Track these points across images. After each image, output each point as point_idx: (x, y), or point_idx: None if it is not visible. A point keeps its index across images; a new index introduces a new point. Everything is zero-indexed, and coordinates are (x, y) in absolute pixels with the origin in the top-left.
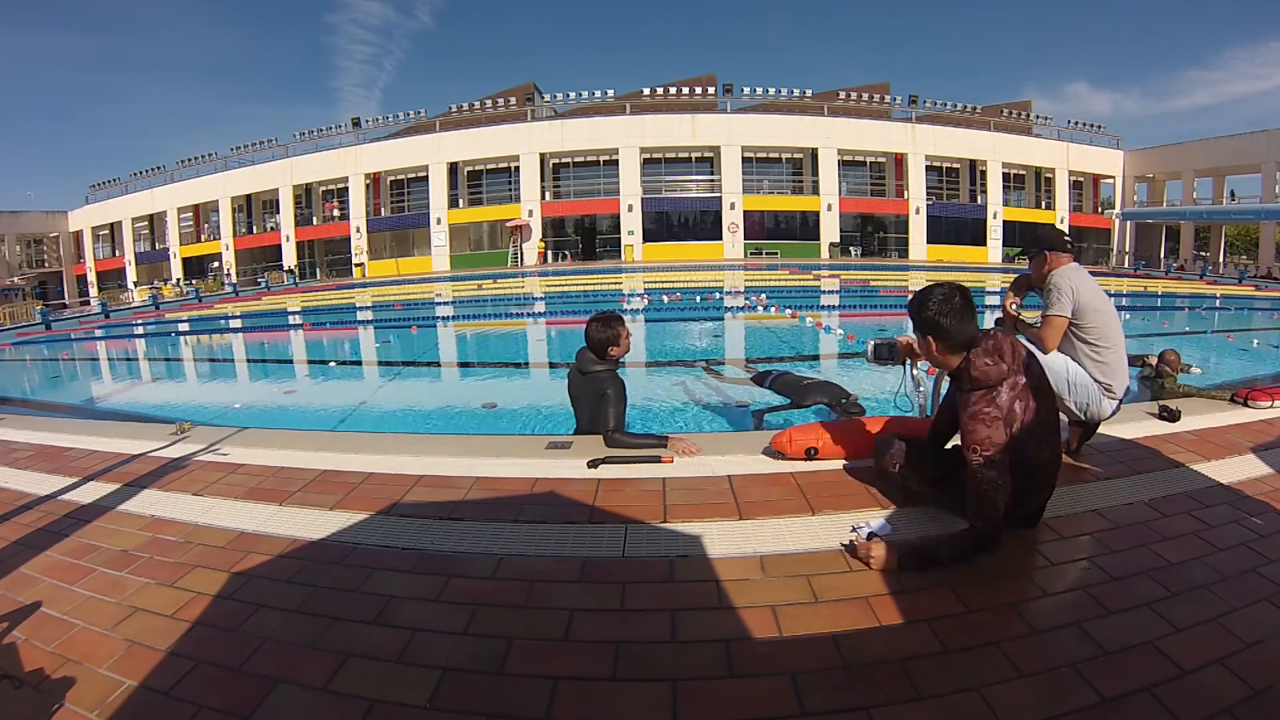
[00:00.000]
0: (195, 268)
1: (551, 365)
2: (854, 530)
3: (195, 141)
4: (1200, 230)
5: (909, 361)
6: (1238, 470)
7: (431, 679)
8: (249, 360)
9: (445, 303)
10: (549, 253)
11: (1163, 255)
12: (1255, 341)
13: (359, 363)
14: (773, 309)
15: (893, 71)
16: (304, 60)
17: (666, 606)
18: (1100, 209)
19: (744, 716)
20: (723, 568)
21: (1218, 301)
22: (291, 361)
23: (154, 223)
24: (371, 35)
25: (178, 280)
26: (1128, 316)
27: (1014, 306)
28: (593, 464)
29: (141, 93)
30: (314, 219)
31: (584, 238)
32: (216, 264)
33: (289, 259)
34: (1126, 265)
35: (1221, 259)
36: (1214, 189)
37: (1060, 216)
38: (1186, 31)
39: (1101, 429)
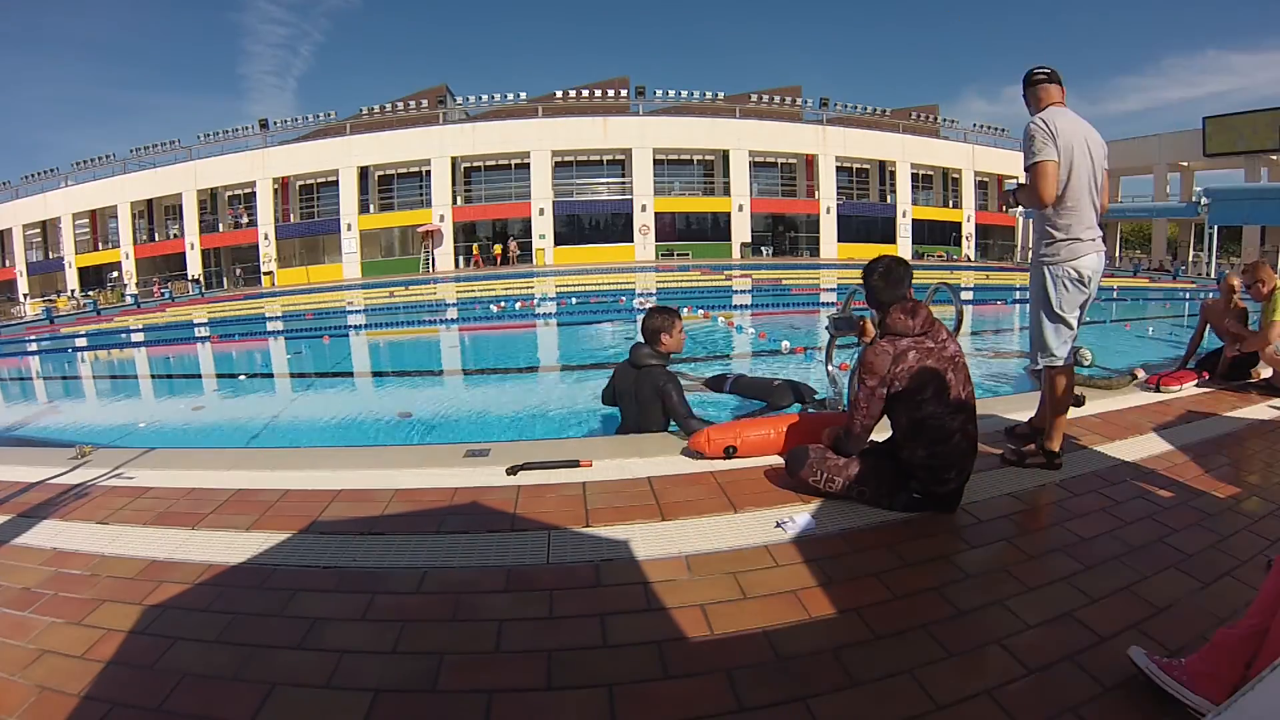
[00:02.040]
0: (93, 278)
1: (465, 372)
2: (778, 525)
3: (89, 137)
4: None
5: (833, 351)
6: (1140, 449)
7: (363, 702)
8: (153, 376)
9: (357, 311)
10: (460, 257)
11: None
12: (1150, 329)
13: (270, 375)
14: (686, 310)
15: (813, 76)
16: (210, 43)
17: (596, 611)
18: (1004, 208)
19: (683, 716)
20: (649, 569)
21: (1115, 293)
22: (199, 376)
23: (47, 230)
24: (284, 14)
25: (73, 291)
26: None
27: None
28: (512, 471)
29: (24, 76)
30: (219, 225)
31: (496, 242)
32: (116, 274)
33: (194, 268)
34: (1030, 261)
35: (1118, 253)
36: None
37: (967, 215)
38: (1130, 40)
39: (1010, 416)
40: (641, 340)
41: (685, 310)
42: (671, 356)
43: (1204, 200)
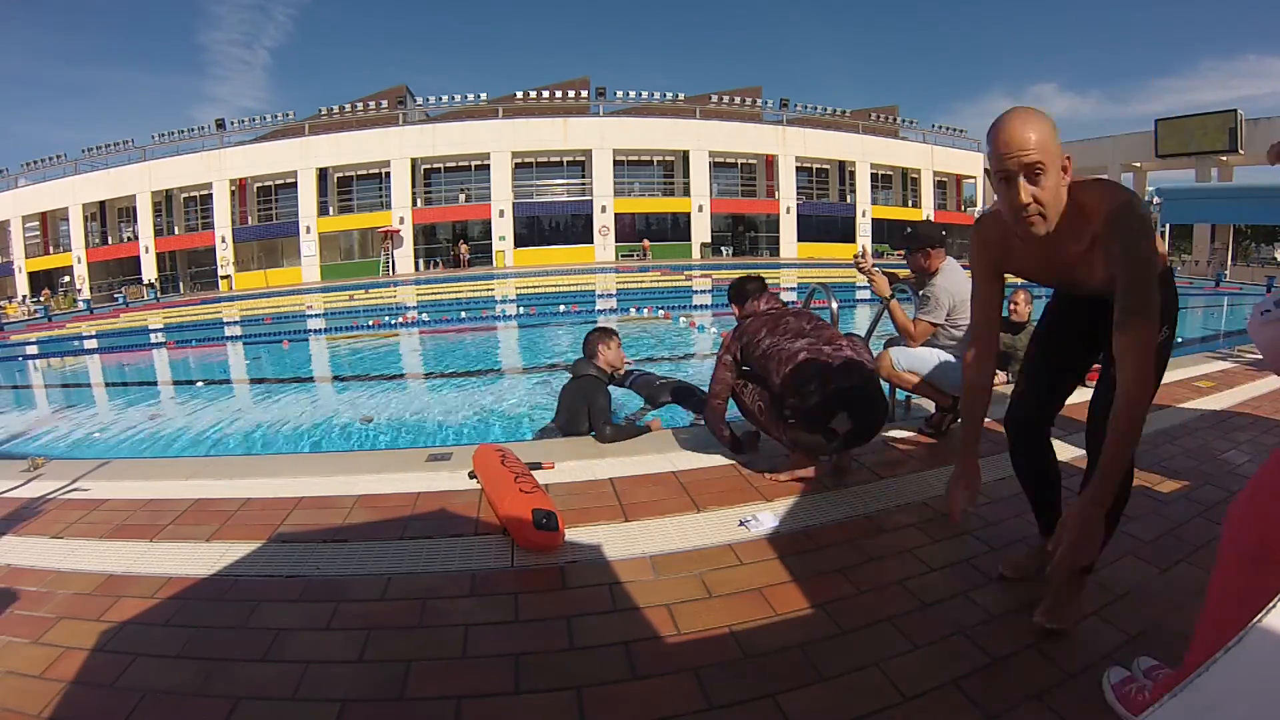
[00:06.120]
0: (44, 283)
1: (427, 375)
2: (742, 524)
3: (33, 120)
4: None
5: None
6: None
7: (331, 713)
8: (108, 384)
9: (316, 315)
10: (420, 260)
11: None
12: None
13: (228, 381)
14: (645, 310)
15: (780, 79)
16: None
17: (562, 614)
18: (963, 207)
19: (652, 717)
20: (614, 570)
21: None
22: (155, 384)
23: None
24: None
25: (24, 297)
26: None
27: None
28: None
29: None
30: (175, 228)
31: (455, 244)
32: (67, 278)
33: (149, 272)
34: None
35: None
36: None
37: (926, 214)
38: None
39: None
40: (583, 355)
41: (645, 311)
42: (613, 375)
43: (1156, 199)
